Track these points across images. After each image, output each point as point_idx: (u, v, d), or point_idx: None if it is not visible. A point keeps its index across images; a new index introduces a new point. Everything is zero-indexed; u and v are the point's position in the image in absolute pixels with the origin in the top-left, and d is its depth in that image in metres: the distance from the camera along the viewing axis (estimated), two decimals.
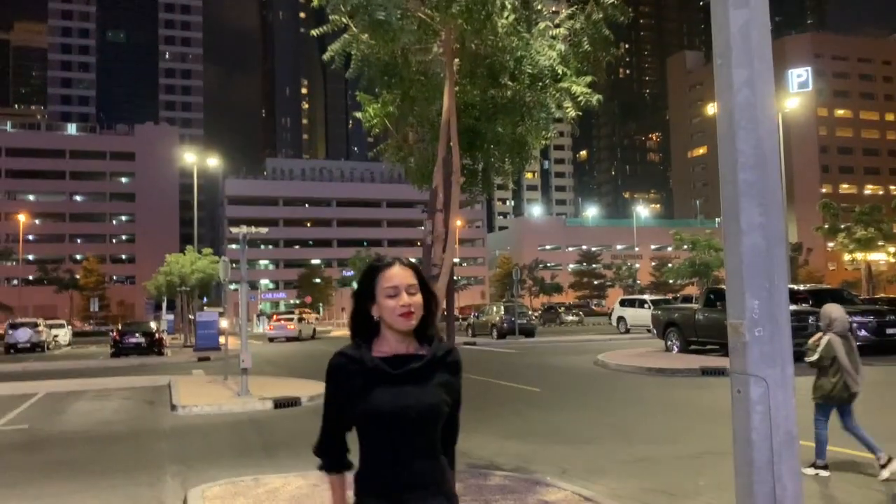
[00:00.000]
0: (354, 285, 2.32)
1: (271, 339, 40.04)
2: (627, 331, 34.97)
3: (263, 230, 17.04)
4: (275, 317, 46.70)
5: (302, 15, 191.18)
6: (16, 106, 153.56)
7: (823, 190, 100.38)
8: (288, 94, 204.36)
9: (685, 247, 44.07)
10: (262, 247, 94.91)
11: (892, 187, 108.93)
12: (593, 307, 76.18)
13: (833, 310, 7.17)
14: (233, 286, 22.13)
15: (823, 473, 6.83)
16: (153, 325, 33.86)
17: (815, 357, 6.98)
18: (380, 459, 2.02)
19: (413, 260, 2.15)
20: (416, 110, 5.93)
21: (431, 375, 2.06)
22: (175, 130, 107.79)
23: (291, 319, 42.97)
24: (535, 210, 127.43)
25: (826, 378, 6.90)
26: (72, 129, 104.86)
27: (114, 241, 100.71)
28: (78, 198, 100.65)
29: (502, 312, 34.84)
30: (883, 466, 6.67)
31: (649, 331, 26.99)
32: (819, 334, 7.10)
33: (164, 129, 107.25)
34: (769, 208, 2.36)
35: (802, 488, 2.36)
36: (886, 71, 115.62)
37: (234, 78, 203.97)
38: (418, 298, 2.07)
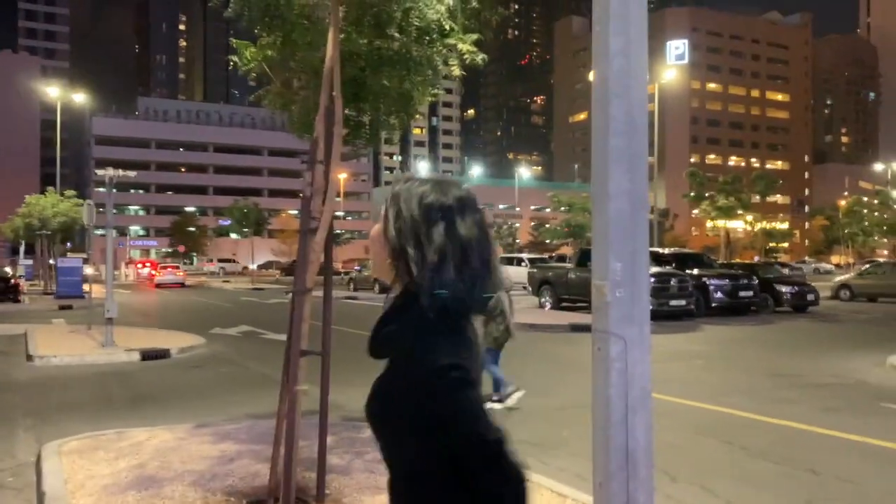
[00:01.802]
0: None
1: (158, 286, 43.52)
2: None
3: (132, 173, 16.29)
4: (138, 263, 59.29)
5: None
6: None
7: (692, 159, 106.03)
8: (164, 31, 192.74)
9: (562, 209, 45.78)
10: (133, 191, 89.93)
11: (752, 160, 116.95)
12: None
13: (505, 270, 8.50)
14: (99, 231, 20.95)
15: (497, 406, 7.91)
16: (8, 269, 31.72)
17: None
18: None
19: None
20: (299, 56, 5.71)
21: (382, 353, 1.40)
22: (36, 61, 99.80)
23: (178, 267, 49.13)
24: (423, 166, 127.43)
25: (494, 326, 8.01)
26: None
27: None
28: None
29: None
30: (497, 401, 7.93)
31: (525, 288, 27.86)
32: None
33: (23, 58, 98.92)
34: (636, 175, 2.45)
35: (653, 441, 2.51)
36: (755, 49, 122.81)
37: (104, 8, 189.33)
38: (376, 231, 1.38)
